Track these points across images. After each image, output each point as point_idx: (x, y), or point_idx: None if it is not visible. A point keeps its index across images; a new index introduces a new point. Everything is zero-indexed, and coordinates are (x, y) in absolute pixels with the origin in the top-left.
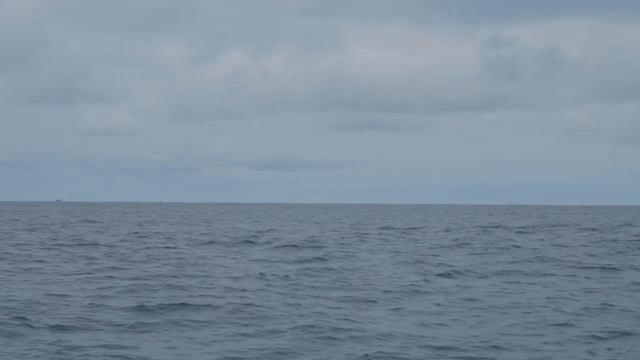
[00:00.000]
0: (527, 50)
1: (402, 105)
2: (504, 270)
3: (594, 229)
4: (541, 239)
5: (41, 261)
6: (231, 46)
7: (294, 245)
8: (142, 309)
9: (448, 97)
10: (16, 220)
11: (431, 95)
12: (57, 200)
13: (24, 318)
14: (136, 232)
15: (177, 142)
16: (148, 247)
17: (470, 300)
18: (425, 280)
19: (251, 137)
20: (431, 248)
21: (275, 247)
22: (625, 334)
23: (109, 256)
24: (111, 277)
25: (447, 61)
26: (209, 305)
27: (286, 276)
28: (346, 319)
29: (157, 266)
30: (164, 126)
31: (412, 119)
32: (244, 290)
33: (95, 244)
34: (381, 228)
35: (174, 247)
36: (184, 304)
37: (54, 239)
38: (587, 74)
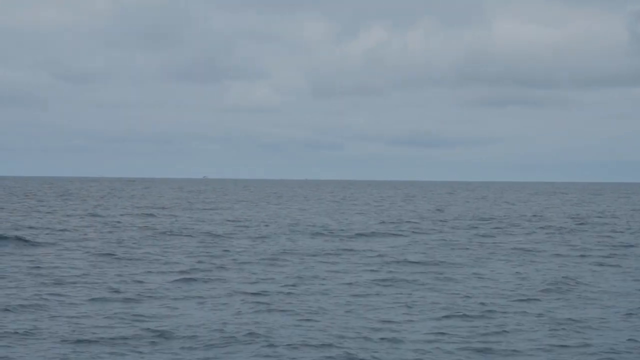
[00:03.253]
0: None
1: (546, 81)
2: None
3: None
4: None
5: None
6: (371, 22)
7: None
8: None
9: (594, 72)
10: None
11: (576, 69)
12: (204, 177)
13: None
14: None
15: (317, 119)
16: None
17: None
18: None
19: (390, 112)
20: None
21: None
22: None
23: None
24: None
25: (592, 34)
26: None
27: None
28: None
29: None
30: (304, 102)
31: (556, 94)
32: None
33: None
34: None
35: None
36: None
37: None
38: None
